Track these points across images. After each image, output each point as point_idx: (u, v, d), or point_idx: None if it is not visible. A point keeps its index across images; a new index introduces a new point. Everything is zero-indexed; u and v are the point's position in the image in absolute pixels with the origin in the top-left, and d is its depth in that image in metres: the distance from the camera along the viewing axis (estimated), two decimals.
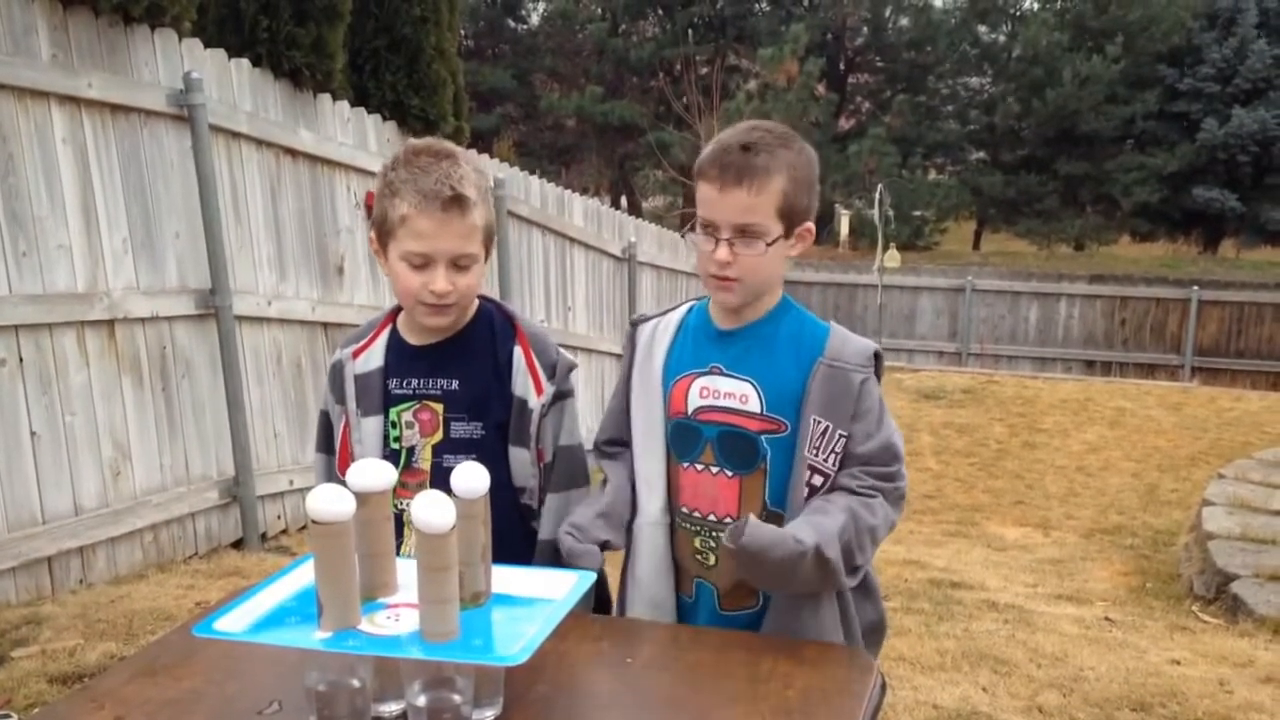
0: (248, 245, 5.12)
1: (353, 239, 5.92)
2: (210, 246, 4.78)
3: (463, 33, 25.61)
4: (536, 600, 1.35)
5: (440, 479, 1.76)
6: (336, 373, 1.93)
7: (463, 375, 1.87)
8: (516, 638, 1.23)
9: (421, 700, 1.26)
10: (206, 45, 4.88)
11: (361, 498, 1.25)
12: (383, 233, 1.80)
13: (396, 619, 1.26)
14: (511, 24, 31.18)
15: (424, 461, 1.87)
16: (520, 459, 1.88)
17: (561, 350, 1.95)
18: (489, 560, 1.34)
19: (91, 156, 4.25)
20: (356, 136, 5.94)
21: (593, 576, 1.45)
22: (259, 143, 5.17)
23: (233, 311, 4.89)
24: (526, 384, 1.88)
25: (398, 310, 1.94)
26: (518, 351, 1.88)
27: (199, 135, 4.67)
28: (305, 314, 5.51)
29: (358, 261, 5.97)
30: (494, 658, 1.21)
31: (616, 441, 1.95)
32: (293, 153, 5.41)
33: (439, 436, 1.86)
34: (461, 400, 1.86)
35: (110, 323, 4.33)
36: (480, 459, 1.69)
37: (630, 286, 10.13)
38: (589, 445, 1.96)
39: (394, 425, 1.87)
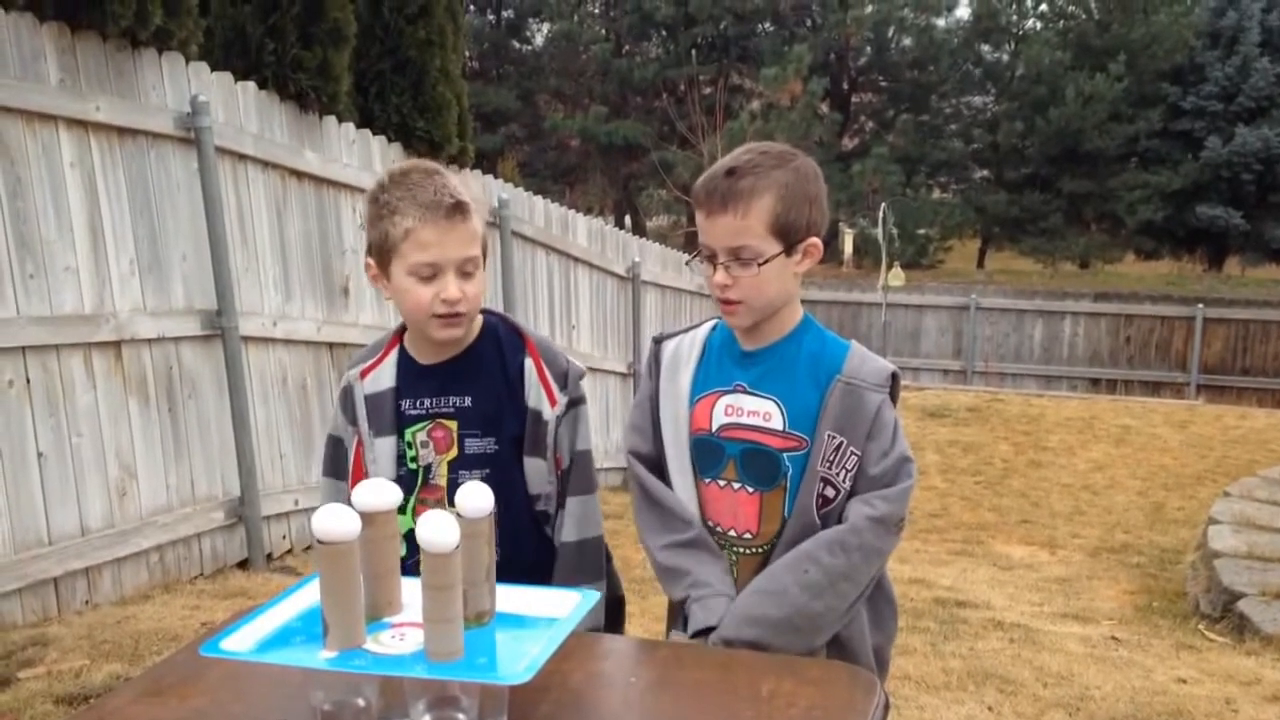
0: (254, 266, 5.15)
1: (358, 260, 5.94)
2: (216, 268, 4.81)
3: (467, 54, 25.73)
4: (541, 619, 1.35)
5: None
6: (347, 395, 1.94)
7: (475, 391, 1.88)
8: (521, 657, 1.24)
9: (426, 719, 1.27)
10: (213, 68, 4.92)
11: (367, 517, 1.26)
12: (384, 253, 1.81)
13: (401, 638, 1.27)
14: (516, 45, 31.38)
15: (440, 478, 1.88)
16: (536, 468, 1.90)
17: (570, 358, 1.96)
18: (493, 579, 1.34)
19: (99, 179, 4.28)
20: (362, 158, 5.97)
21: (596, 596, 1.45)
22: (265, 164, 5.21)
23: (239, 332, 4.90)
24: (540, 396, 1.89)
25: (403, 331, 1.95)
26: (529, 363, 1.90)
27: (205, 157, 4.70)
28: (311, 334, 5.53)
29: (363, 282, 5.99)
30: (498, 677, 1.22)
31: (645, 457, 1.94)
32: (298, 174, 5.44)
33: (454, 453, 1.88)
34: (474, 416, 1.87)
35: (117, 344, 4.35)
36: (495, 472, 1.82)
37: (634, 306, 10.14)
38: (611, 453, 1.98)
39: (409, 445, 1.89)
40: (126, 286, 4.41)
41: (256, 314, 5.12)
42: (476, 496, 1.31)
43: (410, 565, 1.57)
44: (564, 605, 1.40)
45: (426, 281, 1.78)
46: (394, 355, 1.93)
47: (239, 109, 5.05)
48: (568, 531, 1.91)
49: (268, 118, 5.24)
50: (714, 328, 1.93)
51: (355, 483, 1.78)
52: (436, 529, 1.21)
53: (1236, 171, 23.47)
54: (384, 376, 1.91)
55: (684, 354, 1.92)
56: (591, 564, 1.92)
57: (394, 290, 1.83)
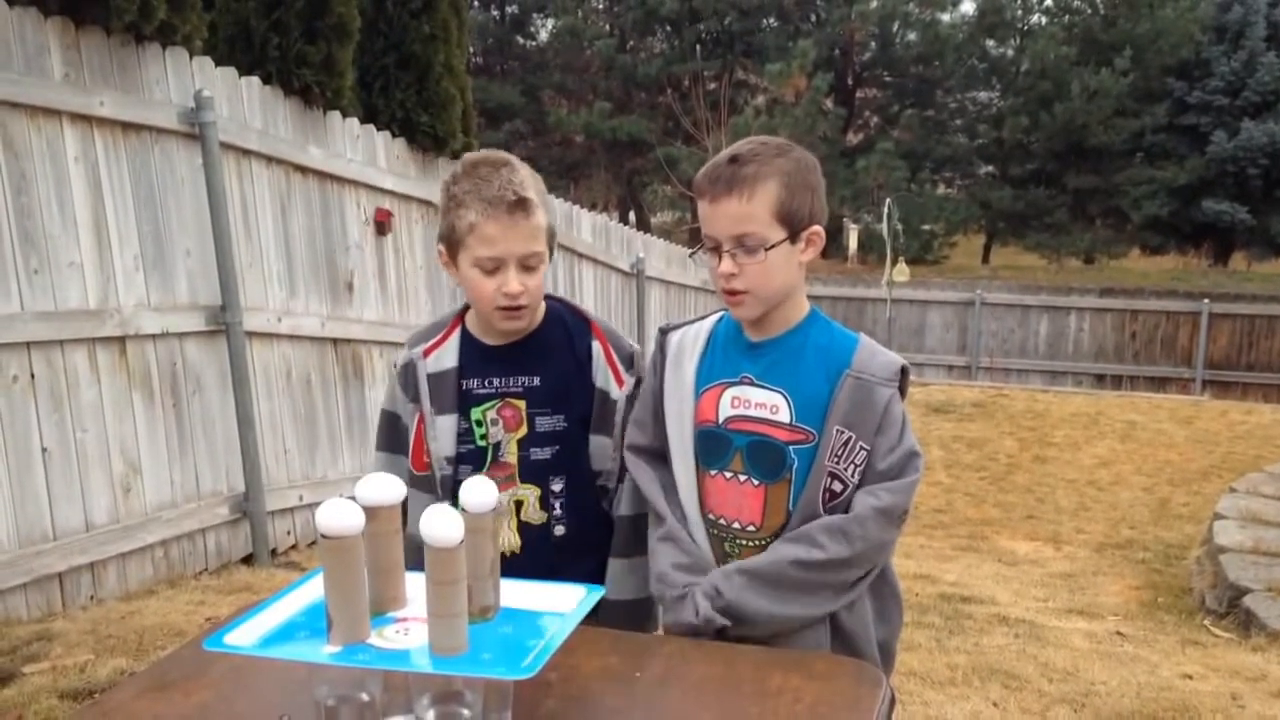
0: (258, 262, 5.15)
1: (362, 255, 5.94)
2: (221, 263, 4.81)
3: (471, 49, 25.72)
4: (545, 614, 1.35)
5: (527, 471, 1.94)
6: (409, 372, 1.99)
7: (543, 372, 1.96)
8: (525, 652, 1.23)
9: (430, 714, 1.26)
10: (217, 63, 4.92)
11: (371, 512, 1.25)
12: (452, 244, 1.89)
13: (406, 633, 1.27)
14: (520, 40, 31.37)
15: (510, 456, 1.95)
16: (601, 445, 1.97)
17: (631, 340, 2.05)
18: (498, 574, 1.34)
19: (103, 174, 4.28)
20: (366, 153, 5.96)
21: (601, 591, 1.45)
22: (269, 160, 5.20)
23: (243, 328, 4.91)
24: (607, 376, 1.97)
25: (464, 312, 2.02)
26: (596, 345, 1.99)
27: (210, 152, 4.70)
28: (315, 330, 5.53)
29: (367, 277, 5.99)
30: (503, 671, 1.21)
31: (645, 449, 1.94)
32: (303, 169, 5.44)
33: (523, 431, 1.95)
34: (544, 395, 1.95)
35: (121, 339, 4.35)
36: (563, 449, 1.94)
37: (639, 301, 10.14)
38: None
39: (479, 424, 1.95)
40: (131, 282, 4.41)
41: (261, 309, 5.12)
42: (480, 492, 1.30)
43: None
44: (568, 600, 1.39)
45: (489, 274, 1.85)
46: (456, 336, 2.00)
47: (243, 104, 5.05)
48: (625, 506, 1.98)
49: (272, 113, 5.24)
50: (720, 319, 1.93)
51: (416, 458, 1.97)
52: (441, 524, 1.21)
53: (1242, 166, 23.40)
54: (446, 356, 1.97)
55: (689, 345, 1.91)
56: (646, 537, 1.97)
57: (461, 279, 1.91)
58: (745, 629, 1.74)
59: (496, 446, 1.95)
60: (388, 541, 1.30)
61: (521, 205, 1.83)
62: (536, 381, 1.95)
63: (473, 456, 1.95)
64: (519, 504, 1.96)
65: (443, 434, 1.94)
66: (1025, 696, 3.60)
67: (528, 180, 1.85)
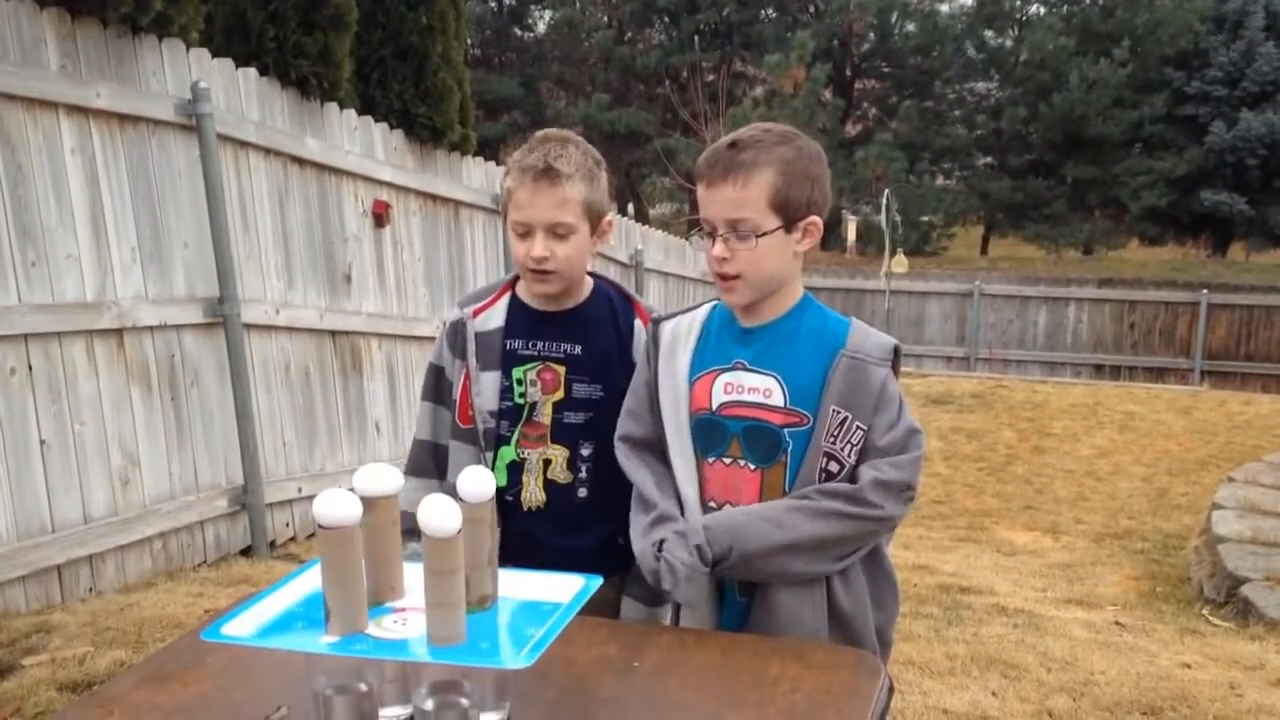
0: (255, 254, 5.14)
1: (360, 247, 5.93)
2: (218, 255, 4.80)
3: (469, 41, 25.68)
4: (543, 604, 1.35)
5: (560, 432, 2.03)
6: (458, 330, 2.08)
7: (585, 341, 2.05)
8: (523, 641, 1.23)
9: (429, 704, 1.26)
10: (214, 55, 4.91)
11: (368, 502, 1.25)
12: (504, 208, 2.03)
13: (404, 623, 1.27)
14: (518, 32, 31.27)
15: (544, 417, 2.04)
16: None
17: None
18: (495, 564, 1.34)
19: (100, 166, 4.27)
20: (364, 145, 5.95)
21: (599, 581, 1.45)
22: (266, 151, 5.19)
23: (241, 320, 4.90)
24: None
25: (516, 278, 2.11)
26: (638, 324, 2.08)
27: (207, 144, 4.69)
28: (313, 322, 5.53)
29: (365, 269, 5.99)
30: (500, 661, 1.21)
31: (640, 440, 1.94)
32: (300, 161, 5.43)
33: (560, 395, 2.04)
34: (584, 364, 2.04)
35: (119, 332, 4.35)
36: (597, 417, 2.02)
37: (637, 293, 10.13)
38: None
39: (519, 383, 2.04)
40: (128, 274, 4.40)
41: (259, 301, 5.12)
42: (478, 481, 1.30)
43: (506, 498, 1.98)
44: (566, 590, 1.39)
45: (521, 238, 1.97)
46: (506, 299, 2.10)
47: (240, 96, 5.04)
48: None
49: (269, 104, 5.23)
50: (714, 308, 1.94)
51: (462, 412, 2.06)
52: (438, 514, 1.21)
53: (1241, 157, 23.37)
54: (494, 317, 2.08)
55: (682, 334, 1.92)
56: None
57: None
58: (737, 560, 1.73)
59: (533, 406, 2.04)
60: (385, 532, 1.30)
61: (548, 174, 1.91)
62: (579, 350, 2.03)
63: (511, 413, 2.04)
64: (547, 462, 2.03)
65: (486, 389, 2.03)
66: (1024, 686, 3.61)
67: (571, 156, 1.94)
